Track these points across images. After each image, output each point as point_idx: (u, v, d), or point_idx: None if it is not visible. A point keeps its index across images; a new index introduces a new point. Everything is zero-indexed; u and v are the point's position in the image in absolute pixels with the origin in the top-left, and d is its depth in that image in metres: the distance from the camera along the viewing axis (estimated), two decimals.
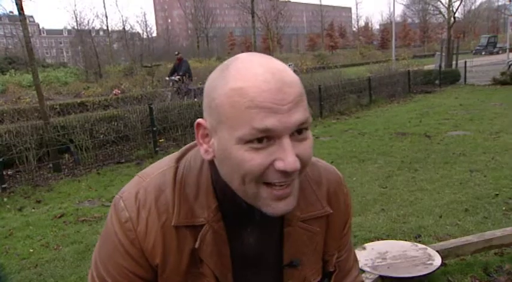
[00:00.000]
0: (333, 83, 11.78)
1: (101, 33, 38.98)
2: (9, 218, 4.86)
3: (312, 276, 0.90)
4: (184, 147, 0.87)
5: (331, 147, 7.39)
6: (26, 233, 4.31)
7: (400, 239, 3.39)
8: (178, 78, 12.16)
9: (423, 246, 2.88)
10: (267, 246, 0.85)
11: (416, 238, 3.53)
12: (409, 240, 3.29)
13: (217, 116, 0.71)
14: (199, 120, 0.76)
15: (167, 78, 12.99)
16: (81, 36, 33.84)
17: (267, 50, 35.66)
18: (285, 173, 0.70)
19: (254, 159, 0.69)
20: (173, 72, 12.67)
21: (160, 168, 0.83)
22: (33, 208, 5.20)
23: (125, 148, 7.86)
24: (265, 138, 0.69)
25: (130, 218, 0.79)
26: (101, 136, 7.52)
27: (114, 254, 0.80)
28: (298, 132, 0.72)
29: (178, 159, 0.84)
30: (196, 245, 0.79)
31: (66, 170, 6.97)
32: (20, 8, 6.45)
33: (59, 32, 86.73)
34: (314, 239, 0.88)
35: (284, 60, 32.94)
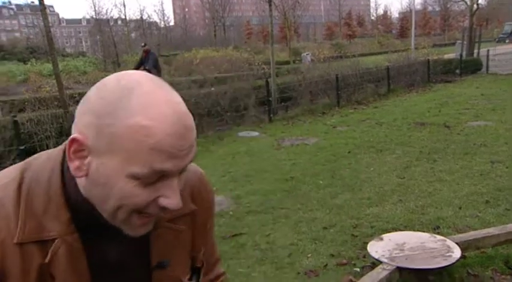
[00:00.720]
0: (351, 72, 11.66)
1: (119, 22, 39.21)
2: None
3: (182, 274, 0.88)
4: (30, 158, 0.79)
5: (348, 137, 7.33)
6: None
7: (418, 230, 3.36)
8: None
9: (442, 237, 2.84)
10: (131, 252, 0.81)
11: (435, 229, 3.49)
12: (427, 232, 3.25)
13: (109, 145, 0.67)
14: (76, 136, 0.69)
15: None
16: (99, 25, 34.07)
17: (284, 39, 35.39)
18: (165, 209, 0.70)
19: (141, 195, 0.68)
20: (139, 65, 11.22)
21: (0, 181, 0.74)
22: None
23: None
24: (160, 176, 0.68)
25: None
26: None
27: None
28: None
29: (24, 171, 0.75)
30: (47, 260, 0.71)
31: None
32: None
33: (78, 21, 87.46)
34: (181, 237, 0.86)
35: (301, 49, 32.66)
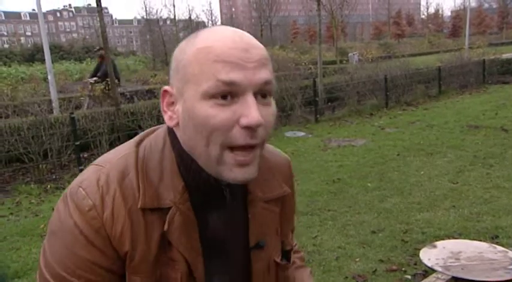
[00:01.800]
0: (400, 73, 11.33)
1: (168, 22, 40.12)
2: None
3: (275, 255, 0.89)
4: (142, 133, 0.83)
5: (397, 139, 7.13)
6: None
7: (474, 239, 3.20)
8: (95, 81, 9.70)
9: (503, 248, 2.69)
10: (234, 229, 0.83)
11: (493, 239, 3.32)
12: (484, 241, 3.10)
13: (183, 76, 0.72)
14: (165, 87, 0.76)
15: (85, 81, 10.66)
16: (149, 25, 35.02)
17: (331, 39, 34.96)
18: (250, 130, 0.70)
19: (219, 115, 0.69)
20: (95, 73, 10.03)
21: (120, 154, 0.78)
22: None
23: None
24: (229, 95, 0.69)
25: (94, 205, 0.72)
26: None
27: (74, 247, 0.73)
28: (262, 95, 0.72)
29: (138, 143, 0.80)
30: (165, 228, 0.74)
31: None
32: (98, 0, 6.75)
33: (130, 21, 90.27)
34: (275, 219, 0.88)
35: (348, 49, 32.16)
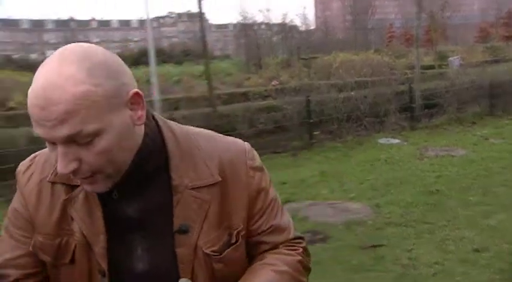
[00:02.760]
0: (508, 78, 10.44)
1: (263, 26, 40.93)
2: None
3: (204, 245, 0.88)
4: None
5: (503, 151, 6.59)
6: None
7: None
8: None
9: None
10: (153, 212, 0.87)
11: None
12: None
13: None
14: None
15: None
16: (244, 30, 35.95)
17: (429, 42, 33.23)
18: (67, 174, 0.79)
19: (51, 155, 0.80)
20: None
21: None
22: None
23: (282, 138, 8.13)
24: (48, 141, 0.77)
25: (20, 170, 0.94)
26: (260, 125, 7.90)
27: (14, 199, 0.94)
28: (78, 140, 0.75)
29: None
30: (65, 198, 0.87)
31: None
32: (200, 6, 7.12)
33: (225, 26, 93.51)
34: (204, 206, 0.88)
35: (449, 52, 30.27)
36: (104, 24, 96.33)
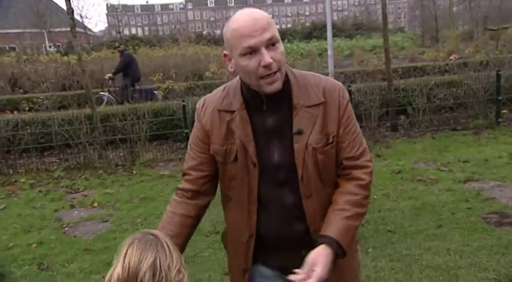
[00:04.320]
0: None
1: None
2: None
3: (313, 142, 1.35)
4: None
5: None
6: None
7: None
8: (109, 77, 10.40)
9: None
10: (282, 123, 1.36)
11: None
12: None
13: (229, 46, 1.33)
14: (224, 51, 1.37)
15: (105, 77, 10.82)
16: (421, 0, 33.54)
17: None
18: (267, 67, 1.26)
19: (250, 63, 1.28)
20: (117, 71, 10.45)
21: (218, 88, 1.50)
22: (375, 161, 5.71)
23: (462, 115, 7.56)
24: (252, 51, 1.26)
25: (200, 106, 1.48)
26: (438, 101, 7.47)
27: (193, 129, 1.50)
28: (271, 45, 1.27)
29: (224, 85, 1.50)
30: (230, 118, 1.39)
31: (402, 130, 7.35)
32: None
33: None
34: (312, 118, 1.36)
35: None
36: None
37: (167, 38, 29.02)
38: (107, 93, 10.18)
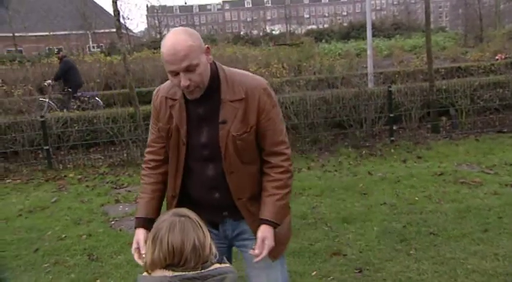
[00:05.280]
0: None
1: None
2: (395, 167, 5.52)
3: (233, 130, 1.67)
4: None
5: None
6: (411, 183, 4.80)
7: None
8: (49, 84, 10.23)
9: None
10: (211, 112, 1.69)
11: None
12: None
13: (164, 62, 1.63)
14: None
15: (45, 83, 10.60)
16: None
17: None
18: (185, 87, 1.60)
19: (173, 80, 1.62)
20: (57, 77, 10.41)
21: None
22: (415, 162, 5.68)
23: (509, 117, 7.33)
24: (174, 74, 1.59)
25: (154, 94, 1.83)
26: (482, 102, 7.26)
27: (151, 109, 1.86)
28: (189, 70, 1.57)
29: None
30: (170, 105, 1.75)
31: (443, 131, 7.20)
32: None
33: None
34: (235, 110, 1.67)
35: None
36: None
37: (205, 39, 29.38)
38: (47, 100, 10.05)
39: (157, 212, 1.82)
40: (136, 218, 1.82)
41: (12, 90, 8.66)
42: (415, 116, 6.94)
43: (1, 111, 7.38)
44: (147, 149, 1.89)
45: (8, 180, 6.08)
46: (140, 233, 1.75)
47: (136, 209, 1.86)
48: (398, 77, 8.72)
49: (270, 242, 1.69)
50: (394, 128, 6.94)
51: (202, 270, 1.33)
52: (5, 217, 4.64)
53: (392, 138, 6.66)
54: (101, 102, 9.46)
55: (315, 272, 3.10)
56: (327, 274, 3.07)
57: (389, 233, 3.62)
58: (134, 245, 1.74)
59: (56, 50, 13.74)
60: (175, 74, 1.58)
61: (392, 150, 6.26)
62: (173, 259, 1.31)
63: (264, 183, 1.76)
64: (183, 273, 1.30)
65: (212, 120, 1.69)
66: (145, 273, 1.38)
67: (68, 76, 10.12)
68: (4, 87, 8.67)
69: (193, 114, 1.72)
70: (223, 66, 1.74)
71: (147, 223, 1.73)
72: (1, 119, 6.86)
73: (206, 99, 1.69)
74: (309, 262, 3.26)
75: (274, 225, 1.71)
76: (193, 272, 1.31)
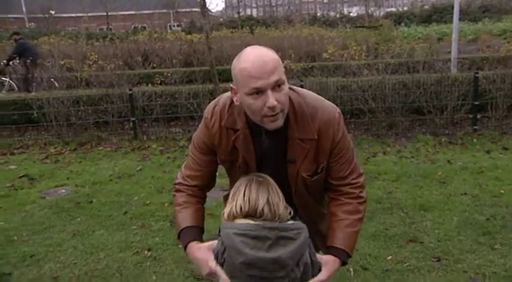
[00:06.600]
0: None
1: None
2: (478, 157, 5.28)
3: (303, 171, 1.53)
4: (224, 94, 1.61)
5: None
6: (495, 175, 4.58)
7: None
8: (4, 64, 10.83)
9: None
10: (277, 148, 1.51)
11: None
12: None
13: (236, 82, 1.40)
14: (231, 85, 1.44)
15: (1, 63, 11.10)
16: None
17: None
18: (271, 107, 1.34)
19: (255, 103, 1.35)
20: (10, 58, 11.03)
21: (226, 98, 1.56)
22: (500, 153, 5.40)
23: None
24: (258, 92, 1.33)
25: (207, 118, 1.57)
26: None
27: (200, 132, 1.62)
28: (277, 86, 1.34)
29: (232, 98, 1.49)
30: (233, 138, 1.52)
31: None
32: None
33: None
34: (305, 150, 1.50)
35: None
36: None
37: (282, 19, 29.24)
38: (7, 79, 10.83)
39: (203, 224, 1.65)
40: (182, 230, 1.58)
41: (106, 64, 9.26)
42: (503, 105, 6.55)
43: (96, 84, 7.94)
44: (187, 172, 1.66)
45: (100, 148, 6.61)
46: (201, 253, 1.49)
47: (176, 222, 1.64)
48: (486, 62, 8.21)
49: (323, 276, 1.44)
50: (478, 116, 6.61)
51: (281, 223, 1.40)
52: (99, 180, 5.08)
53: (475, 127, 6.35)
54: (57, 84, 8.90)
55: (390, 257, 3.11)
56: (402, 260, 3.06)
57: (470, 225, 3.52)
58: (206, 270, 1.44)
59: (11, 32, 14.79)
60: (259, 92, 1.33)
61: (474, 140, 5.98)
62: (248, 209, 1.40)
63: (333, 209, 1.59)
64: (264, 222, 1.38)
65: (278, 157, 1.53)
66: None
67: (24, 58, 10.79)
68: (99, 62, 9.32)
69: (259, 147, 1.53)
70: (294, 96, 1.49)
71: (198, 233, 1.58)
72: (95, 91, 7.41)
73: (271, 132, 1.46)
74: (384, 246, 3.26)
75: (343, 255, 1.50)
76: (273, 223, 1.38)
